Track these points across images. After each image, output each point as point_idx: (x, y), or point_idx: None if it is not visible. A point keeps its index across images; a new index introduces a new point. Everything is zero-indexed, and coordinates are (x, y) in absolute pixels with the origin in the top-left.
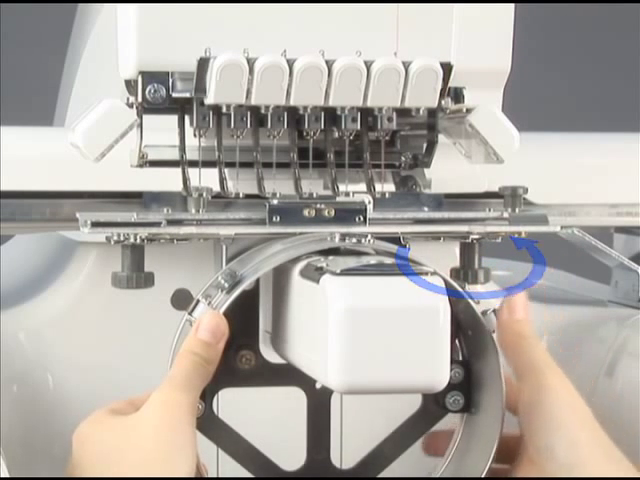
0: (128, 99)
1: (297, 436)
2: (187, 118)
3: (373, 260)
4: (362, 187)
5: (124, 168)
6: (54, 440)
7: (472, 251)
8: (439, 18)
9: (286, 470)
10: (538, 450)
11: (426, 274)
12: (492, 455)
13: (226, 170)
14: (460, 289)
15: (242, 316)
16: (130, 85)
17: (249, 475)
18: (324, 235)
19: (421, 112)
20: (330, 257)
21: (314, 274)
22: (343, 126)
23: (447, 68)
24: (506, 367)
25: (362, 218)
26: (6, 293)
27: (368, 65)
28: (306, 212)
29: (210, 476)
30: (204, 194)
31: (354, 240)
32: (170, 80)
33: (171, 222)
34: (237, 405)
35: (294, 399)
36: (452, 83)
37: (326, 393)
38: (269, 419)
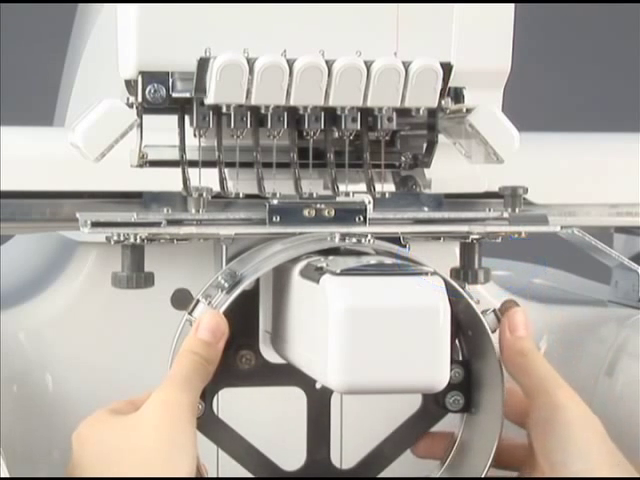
0: (128, 99)
1: (297, 436)
2: (187, 118)
3: (373, 260)
4: (362, 187)
5: (124, 168)
6: (54, 440)
7: (472, 251)
8: (439, 18)
9: (286, 470)
10: (552, 466)
11: (426, 274)
12: (492, 455)
13: (226, 170)
14: (460, 289)
15: (242, 316)
16: (130, 85)
17: (249, 475)
18: (324, 235)
19: (421, 112)
20: (330, 257)
21: (314, 274)
22: (343, 126)
23: (447, 68)
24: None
25: (362, 218)
26: (6, 293)
27: (368, 65)
28: (306, 212)
29: (210, 476)
30: (204, 194)
31: (354, 240)
32: (170, 80)
33: (171, 222)
34: (237, 405)
35: (294, 399)
36: (452, 83)
37: (326, 393)
38: (269, 419)
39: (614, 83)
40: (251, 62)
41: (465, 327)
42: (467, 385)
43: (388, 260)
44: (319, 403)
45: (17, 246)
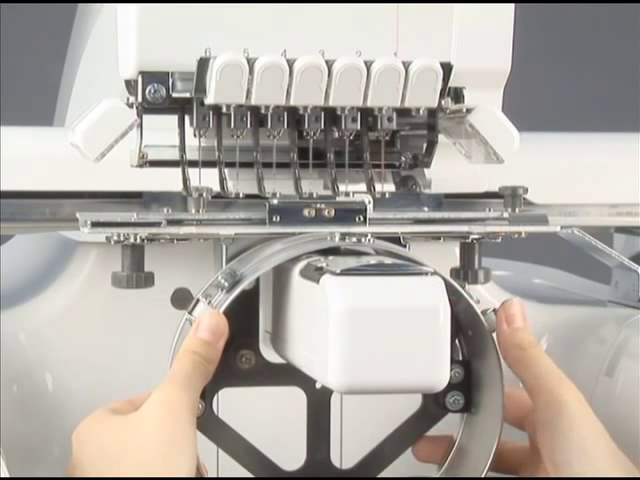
0: (128, 99)
1: (297, 436)
2: (187, 118)
3: (373, 260)
4: (362, 187)
5: (124, 168)
6: (54, 440)
7: (472, 251)
8: (439, 18)
9: (286, 470)
10: (555, 465)
11: (426, 274)
12: (492, 455)
13: (226, 170)
14: (460, 289)
15: (242, 316)
16: (130, 85)
17: (249, 475)
18: (324, 235)
19: (421, 112)
20: (330, 257)
21: (314, 274)
22: (343, 126)
23: (447, 68)
24: (506, 370)
25: (362, 218)
26: (6, 293)
27: (368, 65)
28: (306, 212)
29: (210, 476)
30: (204, 194)
31: (354, 240)
32: (170, 80)
33: (171, 222)
34: (237, 405)
35: (294, 399)
36: (452, 83)
37: (326, 393)
38: (269, 419)
39: (614, 83)
40: (251, 62)
41: (465, 327)
42: (467, 385)
43: (388, 260)
44: (319, 403)
45: (17, 246)
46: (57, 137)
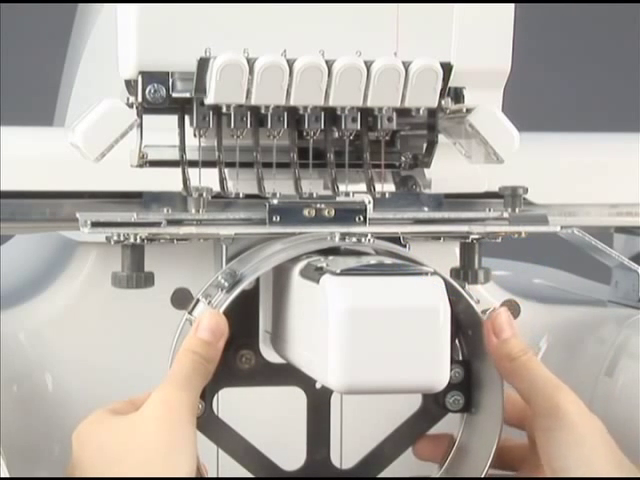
0: (128, 99)
1: (297, 436)
2: (187, 118)
3: (373, 260)
4: (362, 187)
5: (124, 168)
6: (54, 440)
7: (472, 251)
8: (439, 18)
9: (286, 470)
10: (554, 471)
11: (426, 274)
12: (492, 455)
13: (226, 170)
14: (460, 289)
15: (242, 316)
16: (130, 85)
17: (249, 475)
18: (324, 235)
19: (421, 112)
20: (330, 257)
21: (314, 274)
22: (343, 126)
23: (447, 68)
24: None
25: (362, 218)
26: (6, 293)
27: (368, 65)
28: (306, 212)
29: (210, 476)
30: (204, 194)
31: (354, 240)
32: (170, 80)
33: (171, 222)
34: (237, 405)
35: (294, 399)
36: (452, 83)
37: (326, 393)
38: (269, 419)
39: (614, 83)
40: (251, 62)
41: (465, 327)
42: (467, 385)
43: (388, 260)
44: (319, 403)
45: (17, 246)
46: (57, 137)
